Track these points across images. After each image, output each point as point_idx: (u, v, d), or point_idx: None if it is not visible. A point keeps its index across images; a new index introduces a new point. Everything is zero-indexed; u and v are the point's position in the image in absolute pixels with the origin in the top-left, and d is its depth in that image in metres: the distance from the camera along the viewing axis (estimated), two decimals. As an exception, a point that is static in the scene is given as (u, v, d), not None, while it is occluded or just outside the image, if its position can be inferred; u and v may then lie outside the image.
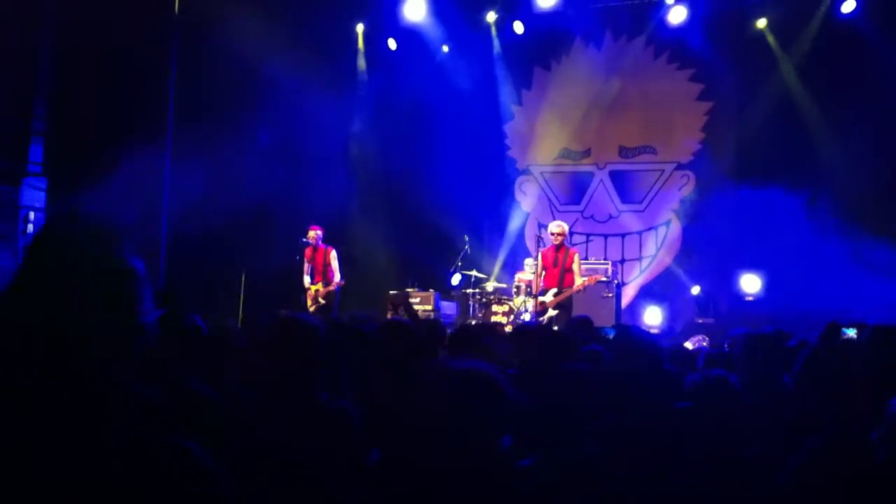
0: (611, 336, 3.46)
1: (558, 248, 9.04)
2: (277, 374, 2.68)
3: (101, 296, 1.34)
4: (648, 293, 12.07)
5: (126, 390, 1.37)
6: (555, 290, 9.00)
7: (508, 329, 10.25)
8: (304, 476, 2.21)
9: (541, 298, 9.09)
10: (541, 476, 2.22)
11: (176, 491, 1.33)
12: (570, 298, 9.02)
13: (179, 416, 2.30)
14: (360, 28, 13.10)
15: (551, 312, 8.92)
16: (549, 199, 13.10)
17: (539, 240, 9.92)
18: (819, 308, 7.18)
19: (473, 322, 10.35)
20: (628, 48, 12.49)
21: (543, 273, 9.16)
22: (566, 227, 9.29)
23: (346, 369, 3.60)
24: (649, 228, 12.52)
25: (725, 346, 5.17)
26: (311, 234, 10.22)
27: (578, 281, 8.95)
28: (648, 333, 2.91)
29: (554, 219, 12.37)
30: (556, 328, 7.91)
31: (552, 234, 9.08)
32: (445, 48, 12.82)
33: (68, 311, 1.32)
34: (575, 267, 9.01)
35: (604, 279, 10.35)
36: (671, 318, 11.32)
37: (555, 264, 9.01)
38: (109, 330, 1.34)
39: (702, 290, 11.19)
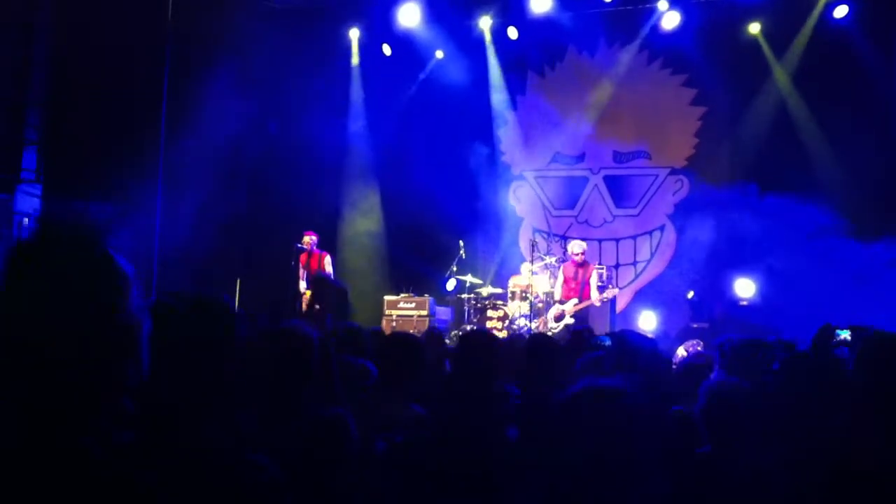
0: (607, 343, 3.45)
1: (579, 264, 10.26)
2: (273, 381, 2.68)
3: (85, 299, 1.33)
4: (643, 298, 12.08)
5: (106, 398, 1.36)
6: (575, 300, 10.25)
7: (503, 335, 10.29)
8: (301, 485, 2.21)
9: (561, 307, 10.30)
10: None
11: None
12: (583, 310, 10.23)
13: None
14: (354, 33, 13.11)
15: (568, 320, 10.04)
16: (544, 205, 13.11)
17: (534, 245, 10.20)
18: (813, 312, 7.20)
19: (469, 328, 10.36)
20: (622, 54, 12.51)
21: (563, 283, 10.38)
22: (585, 246, 10.48)
23: (340, 377, 3.59)
24: (644, 233, 12.54)
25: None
26: (306, 239, 10.24)
27: (595, 294, 10.24)
28: (646, 339, 2.88)
29: (548, 223, 12.57)
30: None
31: (575, 254, 10.29)
32: (440, 54, 12.83)
33: (54, 313, 1.30)
34: (592, 281, 10.33)
35: (616, 291, 10.99)
36: (666, 322, 11.32)
37: (575, 277, 10.32)
38: (95, 331, 1.33)
39: (696, 294, 11.20)
